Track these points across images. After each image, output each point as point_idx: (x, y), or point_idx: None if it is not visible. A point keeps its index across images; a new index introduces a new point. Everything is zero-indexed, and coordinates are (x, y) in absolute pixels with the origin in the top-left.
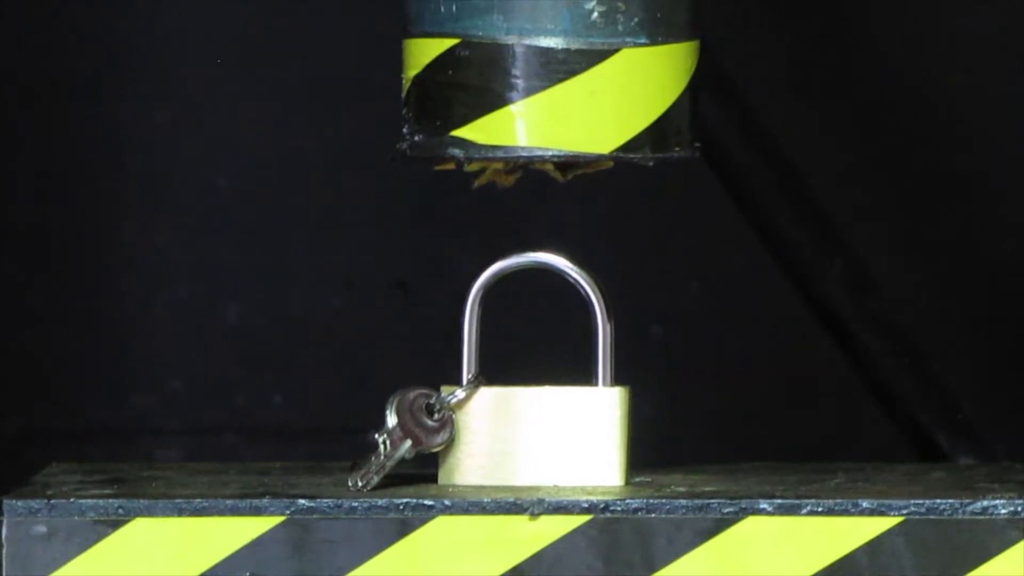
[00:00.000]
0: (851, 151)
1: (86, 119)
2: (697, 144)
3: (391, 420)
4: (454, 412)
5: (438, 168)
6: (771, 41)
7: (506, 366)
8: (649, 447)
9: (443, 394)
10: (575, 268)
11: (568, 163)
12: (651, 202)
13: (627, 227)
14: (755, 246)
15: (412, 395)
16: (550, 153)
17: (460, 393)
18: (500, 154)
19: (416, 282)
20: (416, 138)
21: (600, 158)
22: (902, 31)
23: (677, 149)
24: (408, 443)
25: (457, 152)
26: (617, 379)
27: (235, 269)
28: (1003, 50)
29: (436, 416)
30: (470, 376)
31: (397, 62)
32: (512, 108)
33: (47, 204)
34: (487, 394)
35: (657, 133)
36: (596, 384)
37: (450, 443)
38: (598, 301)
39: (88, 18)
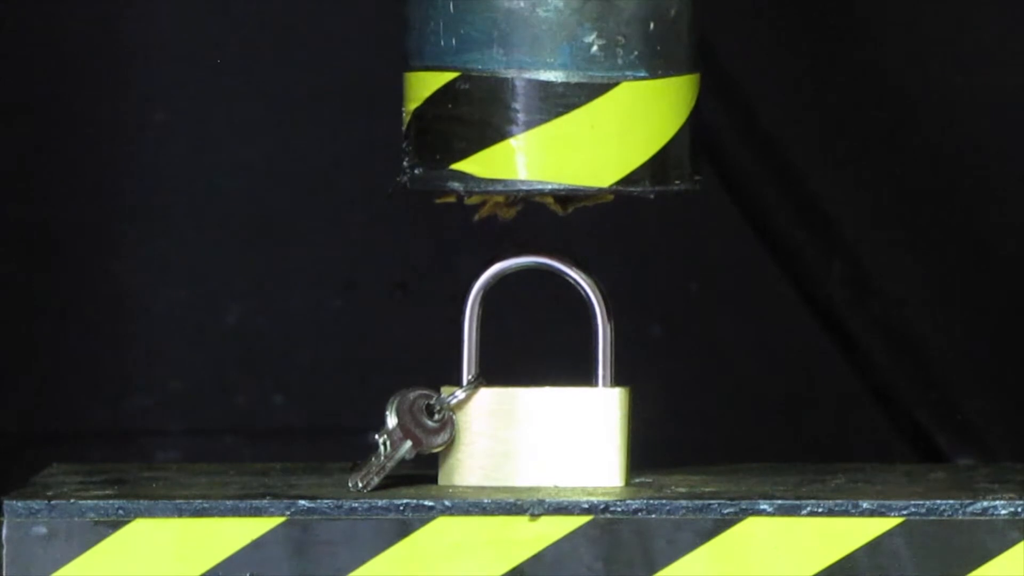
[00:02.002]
0: (851, 151)
1: (86, 119)
2: (698, 177)
3: (391, 421)
4: (454, 413)
5: (439, 201)
6: (771, 41)
7: (506, 367)
8: (649, 447)
9: (443, 395)
10: (575, 269)
11: (568, 196)
12: (651, 202)
13: (627, 227)
14: (755, 246)
15: (412, 396)
16: (550, 187)
17: (460, 394)
18: (500, 187)
19: (416, 282)
20: (416, 171)
21: (600, 191)
22: (902, 31)
23: (677, 182)
24: (408, 444)
25: (457, 185)
26: (617, 380)
27: (235, 269)
28: (1003, 50)
29: (436, 417)
30: (470, 377)
31: (397, 61)
32: (512, 142)
33: (47, 204)
34: (487, 395)
35: (657, 166)
36: (596, 385)
37: (450, 444)
38: (598, 302)
39: (88, 18)
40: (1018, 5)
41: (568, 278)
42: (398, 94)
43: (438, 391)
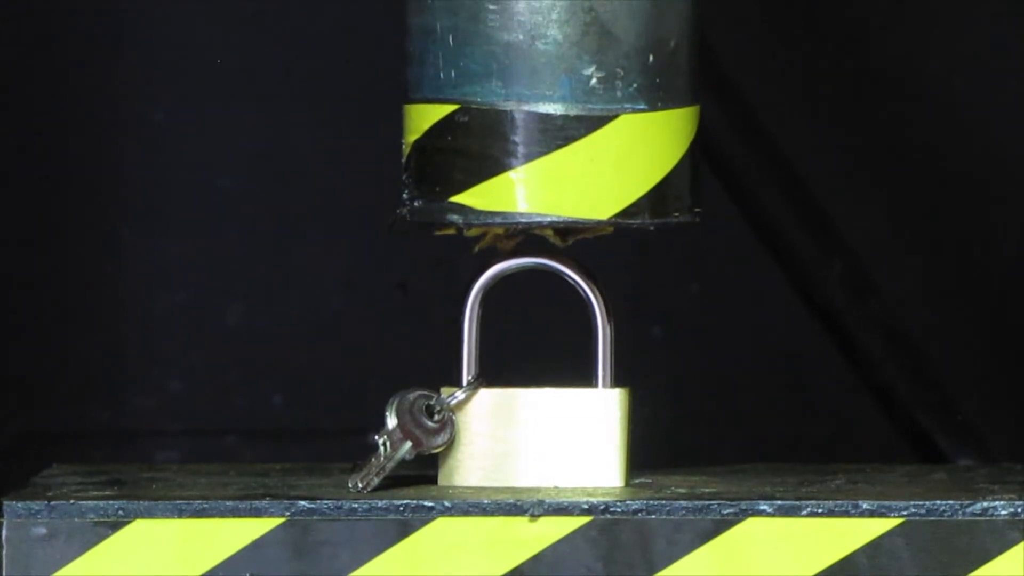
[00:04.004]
0: (851, 151)
1: (86, 119)
2: (698, 209)
3: (391, 421)
4: (454, 413)
5: (438, 233)
6: (771, 41)
7: (506, 367)
8: (649, 448)
9: (443, 395)
10: (575, 269)
11: (567, 229)
12: None
13: (627, 228)
14: (755, 246)
15: (412, 396)
16: (549, 219)
17: (460, 394)
18: (499, 220)
19: (416, 282)
20: (416, 203)
21: (599, 224)
22: (902, 32)
23: (676, 215)
24: (408, 444)
25: (456, 218)
26: (617, 380)
27: (235, 269)
28: (1003, 50)
29: (436, 417)
30: (470, 377)
31: (398, 62)
32: (511, 174)
33: (47, 204)
34: (487, 395)
35: (656, 199)
36: (596, 385)
37: (450, 444)
38: (598, 302)
39: (88, 18)
40: (1018, 5)
41: (568, 278)
42: (399, 94)
43: (438, 391)
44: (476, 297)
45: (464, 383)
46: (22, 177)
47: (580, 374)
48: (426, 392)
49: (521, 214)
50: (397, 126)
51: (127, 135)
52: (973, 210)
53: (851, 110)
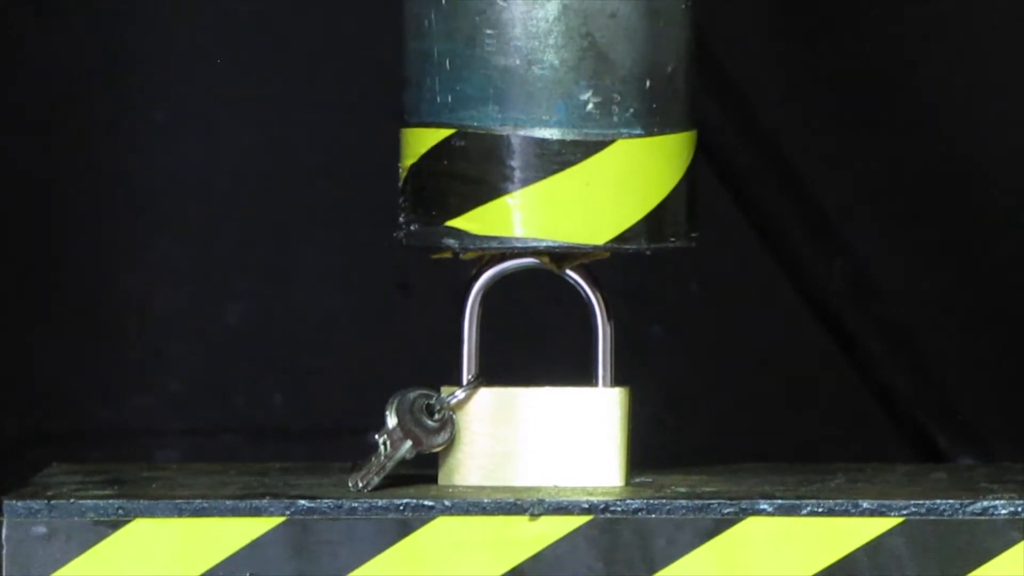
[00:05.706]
0: (851, 151)
1: (86, 119)
2: (694, 234)
3: (391, 421)
4: (454, 412)
5: (435, 257)
6: (771, 41)
7: (506, 366)
8: (649, 447)
9: (443, 395)
10: (575, 269)
11: (564, 254)
12: None
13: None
14: (755, 246)
15: (412, 396)
16: (545, 244)
17: (460, 394)
18: (495, 245)
19: (416, 282)
20: (412, 227)
21: (595, 249)
22: (903, 32)
23: (673, 240)
24: (408, 443)
25: (453, 242)
26: (617, 379)
27: (235, 269)
28: (1003, 50)
29: (436, 417)
30: (470, 376)
31: (397, 62)
32: (507, 199)
33: (47, 204)
34: (487, 395)
35: (653, 224)
36: (596, 385)
37: (450, 444)
38: (598, 301)
39: (88, 18)
40: (1019, 5)
41: (568, 278)
42: (398, 95)
43: (438, 391)
44: (476, 297)
45: (464, 382)
46: (23, 177)
47: (580, 374)
48: (426, 391)
49: (517, 239)
50: (397, 125)
51: (127, 135)
52: (973, 209)
53: (852, 110)
